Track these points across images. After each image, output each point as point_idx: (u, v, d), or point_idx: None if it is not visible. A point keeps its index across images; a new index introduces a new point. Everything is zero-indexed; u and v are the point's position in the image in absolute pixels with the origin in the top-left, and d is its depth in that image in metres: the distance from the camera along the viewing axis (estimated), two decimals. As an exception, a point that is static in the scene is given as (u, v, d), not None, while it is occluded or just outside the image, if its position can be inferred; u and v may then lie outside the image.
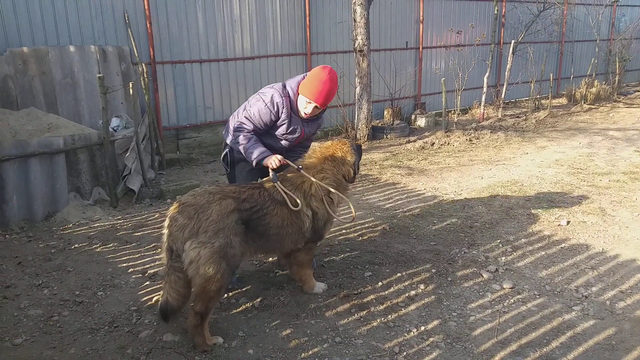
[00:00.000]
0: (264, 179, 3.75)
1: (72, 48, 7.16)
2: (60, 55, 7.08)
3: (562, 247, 4.77)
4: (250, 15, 9.18)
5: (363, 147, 9.28)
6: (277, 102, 3.89)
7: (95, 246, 5.00)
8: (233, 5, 8.93)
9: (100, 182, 6.32)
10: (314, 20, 10.01)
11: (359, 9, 9.31)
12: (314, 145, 4.12)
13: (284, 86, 3.98)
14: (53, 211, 5.74)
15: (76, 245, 5.02)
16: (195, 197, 3.30)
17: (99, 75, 6.10)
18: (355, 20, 9.43)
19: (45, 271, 4.45)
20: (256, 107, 3.92)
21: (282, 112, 3.91)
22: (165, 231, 3.30)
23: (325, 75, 3.82)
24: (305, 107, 3.90)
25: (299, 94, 3.91)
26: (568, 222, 5.34)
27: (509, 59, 11.91)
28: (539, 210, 5.75)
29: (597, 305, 3.74)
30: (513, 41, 11.93)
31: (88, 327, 3.57)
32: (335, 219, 3.88)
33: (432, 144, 9.48)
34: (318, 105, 3.88)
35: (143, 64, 7.66)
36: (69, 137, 5.95)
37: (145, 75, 7.51)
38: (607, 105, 13.79)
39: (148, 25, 8.02)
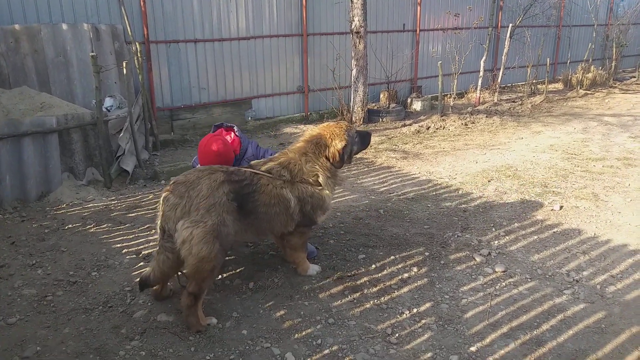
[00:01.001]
0: (254, 162, 3.75)
1: (64, 26, 7.05)
2: (53, 33, 6.97)
3: (554, 232, 4.80)
4: (245, -6, 9.05)
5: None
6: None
7: (89, 227, 4.99)
8: (228, -16, 8.80)
9: (93, 162, 6.28)
10: (311, 1, 9.89)
11: (356, -10, 9.19)
12: (308, 127, 4.09)
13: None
14: (46, 191, 5.71)
15: (70, 226, 5.01)
16: (186, 175, 3.32)
17: (92, 54, 6.02)
18: (352, 1, 9.31)
19: (39, 251, 4.45)
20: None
21: None
22: (159, 211, 3.32)
23: (203, 146, 3.87)
24: None
25: None
26: (561, 207, 5.37)
27: (506, 43, 11.84)
28: (533, 195, 5.78)
29: (588, 289, 3.79)
30: (511, 25, 11.84)
31: (82, 307, 3.58)
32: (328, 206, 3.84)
33: (428, 128, 9.46)
34: None
35: (137, 43, 7.57)
36: (62, 116, 5.89)
37: (139, 55, 7.43)
38: (603, 90, 13.79)
39: (142, 3, 7.89)
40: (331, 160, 3.75)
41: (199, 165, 4.02)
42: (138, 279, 3.56)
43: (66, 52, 7.09)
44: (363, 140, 4.01)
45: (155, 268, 3.32)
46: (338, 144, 3.74)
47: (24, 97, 6.27)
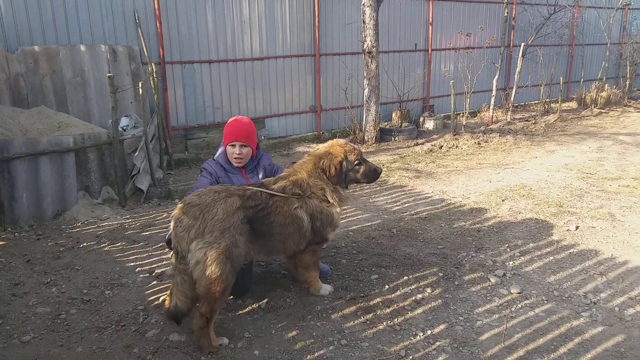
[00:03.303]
0: (265, 180, 3.76)
1: (82, 47, 7.21)
2: (71, 54, 7.13)
3: (570, 253, 4.73)
4: (259, 16, 9.20)
5: (370, 150, 9.32)
6: (209, 170, 4.04)
7: (103, 245, 5.03)
8: (242, 6, 8.96)
9: (109, 181, 6.36)
10: (323, 22, 10.02)
11: (368, 11, 9.31)
12: (320, 146, 4.09)
13: (214, 155, 4.18)
14: (62, 210, 5.78)
15: (85, 244, 5.05)
16: (200, 197, 3.27)
17: (109, 74, 6.14)
18: (364, 22, 9.42)
19: (54, 269, 4.49)
20: (200, 180, 4.04)
21: (218, 176, 4.05)
22: (172, 232, 3.29)
23: (234, 119, 4.05)
24: (233, 153, 4.01)
25: (226, 151, 4.05)
26: (577, 227, 5.30)
27: (518, 62, 11.85)
28: (548, 214, 5.71)
29: (606, 311, 3.71)
30: (523, 44, 11.87)
31: (95, 325, 3.59)
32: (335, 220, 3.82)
33: (441, 147, 9.45)
34: (242, 143, 3.96)
35: (153, 64, 7.71)
36: (79, 136, 5.99)
37: (154, 75, 7.55)
38: (618, 109, 13.68)
39: (158, 25, 8.06)
40: (326, 171, 3.71)
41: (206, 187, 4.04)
42: (168, 316, 3.34)
43: (84, 73, 7.24)
44: (368, 173, 3.91)
45: (176, 294, 3.20)
46: (334, 159, 3.74)
47: (42, 116, 6.40)
